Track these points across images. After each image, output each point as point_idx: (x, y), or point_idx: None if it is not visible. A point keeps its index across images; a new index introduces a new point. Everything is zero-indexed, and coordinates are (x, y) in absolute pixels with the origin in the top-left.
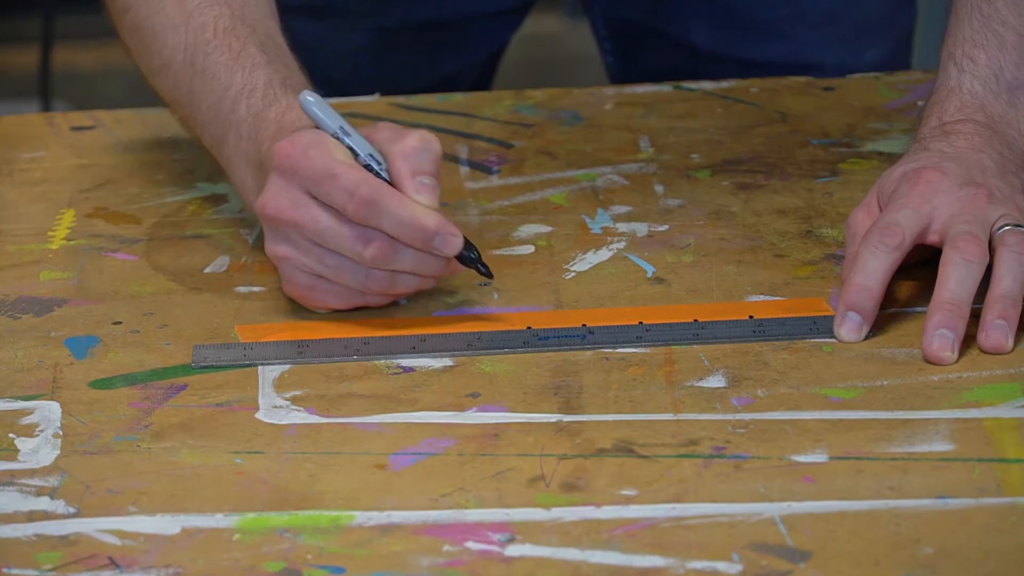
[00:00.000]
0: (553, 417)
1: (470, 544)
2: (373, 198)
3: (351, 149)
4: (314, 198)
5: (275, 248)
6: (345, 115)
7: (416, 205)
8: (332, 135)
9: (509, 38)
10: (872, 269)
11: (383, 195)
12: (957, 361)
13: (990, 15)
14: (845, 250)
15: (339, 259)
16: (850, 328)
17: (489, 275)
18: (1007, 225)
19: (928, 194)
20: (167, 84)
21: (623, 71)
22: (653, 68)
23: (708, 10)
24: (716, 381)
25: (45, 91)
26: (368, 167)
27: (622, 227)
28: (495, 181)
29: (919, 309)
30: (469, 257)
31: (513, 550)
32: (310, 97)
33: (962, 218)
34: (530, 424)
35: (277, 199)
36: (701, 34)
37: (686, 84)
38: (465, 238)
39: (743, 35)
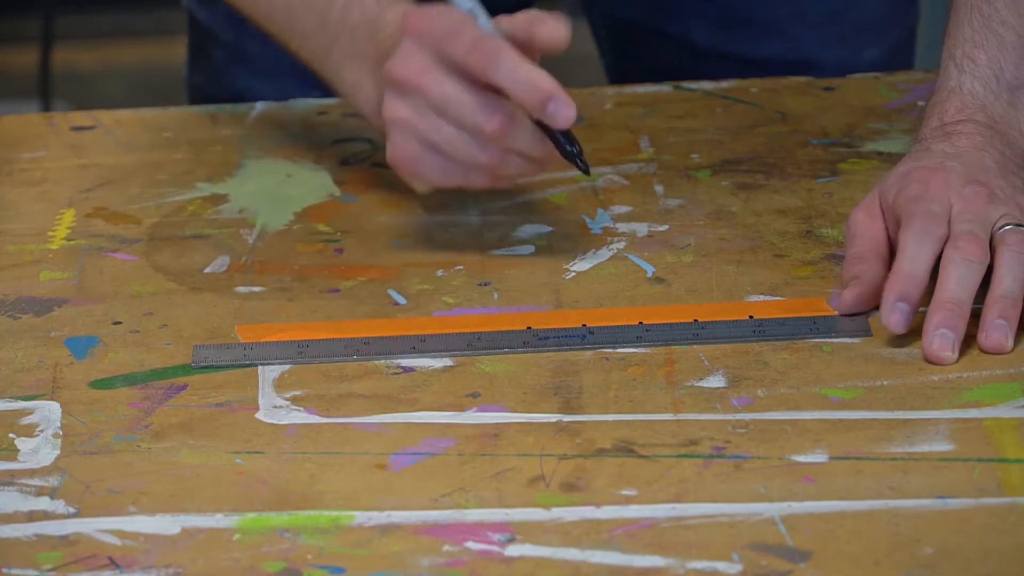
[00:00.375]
0: (553, 417)
1: (470, 544)
2: (495, 50)
3: (483, 19)
4: (442, 67)
5: (394, 109)
6: (344, 114)
7: (534, 66)
8: (469, 7)
9: None
10: (920, 259)
11: (505, 50)
12: (957, 361)
13: (990, 16)
14: (845, 250)
15: (455, 130)
16: (899, 319)
17: (586, 171)
18: (1008, 225)
19: (943, 190)
20: (263, 8)
21: (622, 70)
22: (652, 67)
23: (708, 8)
24: (716, 381)
25: (45, 91)
26: None
27: (622, 227)
28: None
29: (919, 309)
30: (571, 151)
31: (513, 550)
32: None
33: (963, 217)
34: (530, 424)
35: (406, 62)
36: (701, 32)
37: (686, 84)
38: (572, 133)
39: (743, 33)
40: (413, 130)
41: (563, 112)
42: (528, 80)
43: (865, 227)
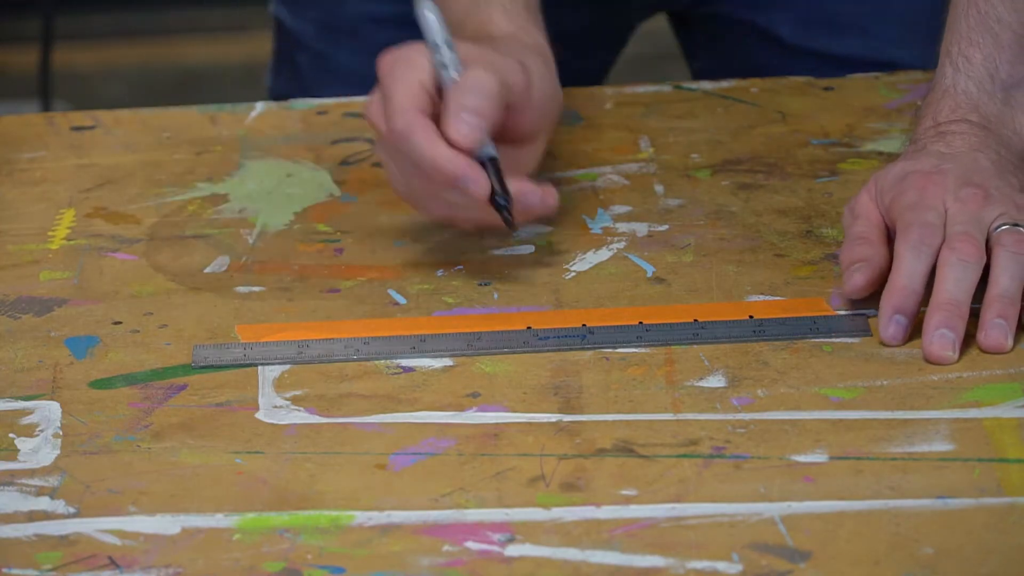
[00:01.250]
0: (553, 417)
1: (470, 544)
2: (404, 132)
3: (440, 68)
4: None
5: (376, 149)
6: (344, 114)
7: (442, 147)
8: (431, 48)
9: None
10: (916, 271)
11: (414, 131)
12: (957, 361)
13: (987, 12)
14: (846, 229)
15: (408, 177)
16: (896, 332)
17: (511, 226)
18: (1004, 224)
19: (938, 195)
20: None
21: (703, 63)
22: (735, 60)
23: (796, 2)
24: (716, 381)
25: (45, 91)
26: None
27: (622, 227)
28: None
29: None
30: (499, 204)
31: (513, 550)
32: (426, 10)
33: (958, 219)
34: (530, 424)
35: (371, 107)
36: (786, 26)
37: (686, 84)
38: (502, 184)
39: (826, 30)
40: (390, 171)
41: (472, 190)
42: (434, 164)
43: (869, 209)
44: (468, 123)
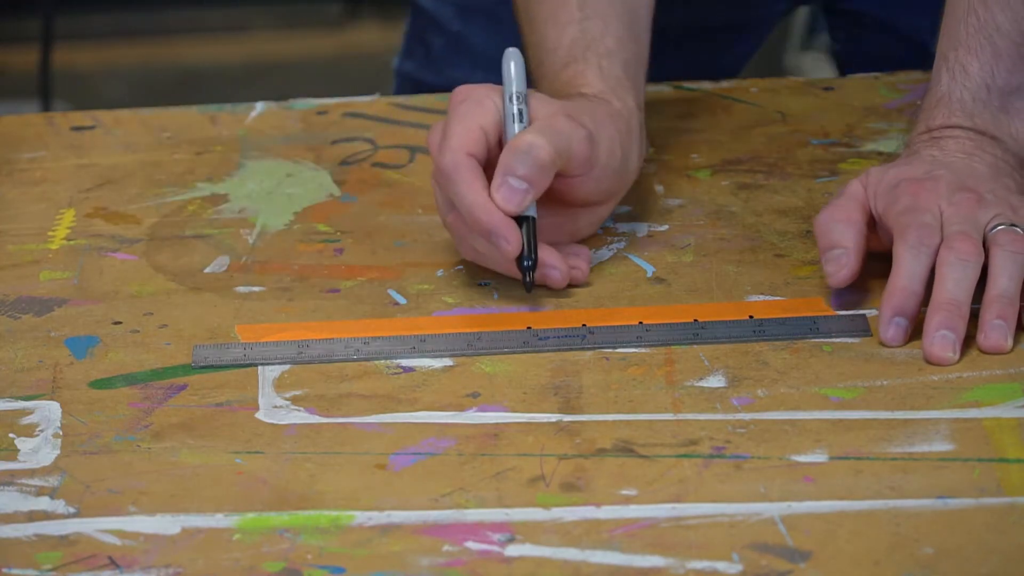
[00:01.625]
0: (553, 417)
1: (470, 544)
2: (449, 171)
3: (509, 118)
4: None
5: (432, 173)
6: (344, 114)
7: (483, 196)
8: (507, 97)
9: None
10: (915, 273)
11: (459, 172)
12: (958, 361)
13: (985, 20)
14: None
15: (446, 212)
16: (896, 333)
17: (528, 288)
18: (1000, 225)
19: (933, 199)
20: (518, 19)
21: (850, 58)
22: (878, 59)
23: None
24: (716, 381)
25: (45, 91)
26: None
27: (622, 227)
28: None
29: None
30: (522, 265)
31: (513, 550)
32: (511, 59)
33: (954, 219)
34: (530, 424)
35: (432, 133)
36: (924, 33)
37: (686, 84)
38: (532, 246)
39: None
40: (436, 195)
41: (502, 247)
42: (470, 211)
43: (855, 190)
44: (513, 189)
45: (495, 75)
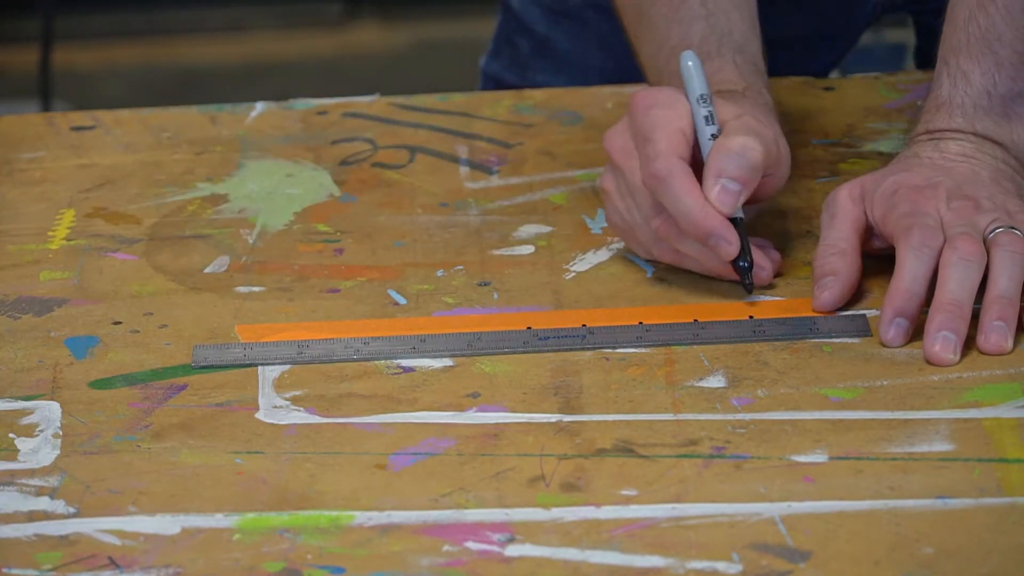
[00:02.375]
0: (553, 417)
1: (470, 544)
2: (664, 176)
3: (701, 120)
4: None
5: (604, 179)
6: (344, 114)
7: (701, 200)
8: (695, 99)
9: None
10: (919, 274)
11: (675, 177)
12: (958, 362)
13: (987, 28)
14: (821, 228)
15: (641, 218)
16: (897, 334)
17: (748, 290)
18: (999, 227)
19: (932, 204)
20: (626, 22)
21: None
22: None
23: None
24: (716, 381)
25: (45, 91)
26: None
27: None
28: (495, 181)
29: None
30: (740, 267)
31: (513, 550)
32: (689, 61)
33: (955, 223)
34: (530, 424)
35: (615, 138)
36: None
37: None
38: (747, 247)
39: None
40: (615, 204)
41: (723, 249)
42: (687, 213)
43: (845, 210)
44: (729, 190)
45: (578, 80)
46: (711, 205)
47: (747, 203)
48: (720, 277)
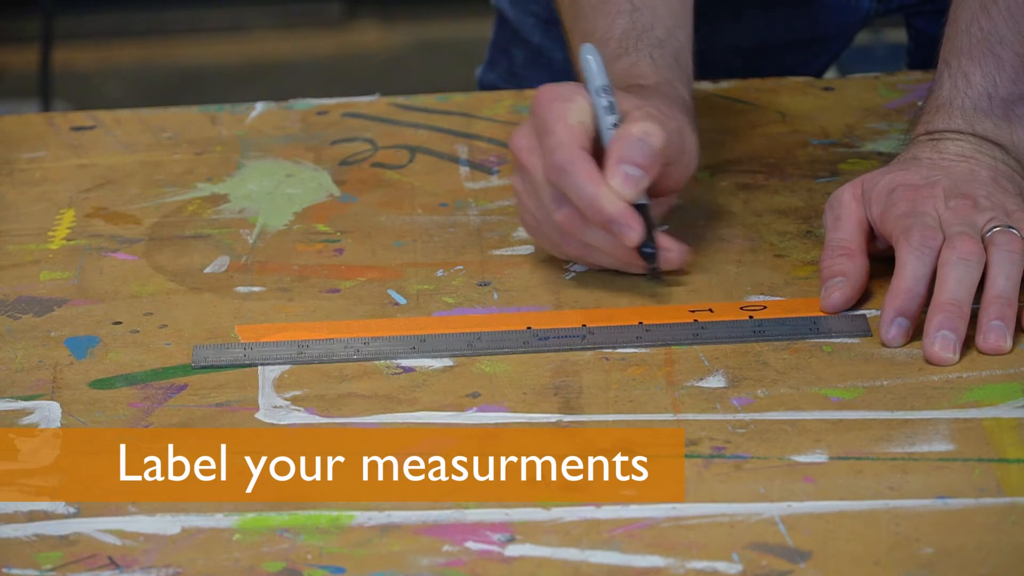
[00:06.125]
0: (553, 417)
1: (470, 544)
2: (564, 166)
3: (601, 111)
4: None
5: (513, 179)
6: (344, 114)
7: (604, 187)
8: (595, 90)
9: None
10: (919, 274)
11: (576, 165)
12: (958, 362)
13: (989, 31)
14: (825, 229)
15: (546, 214)
16: (897, 334)
17: (656, 276)
18: (996, 227)
19: (930, 204)
20: (561, 12)
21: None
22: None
23: None
24: (716, 381)
25: (45, 91)
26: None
27: None
28: (495, 181)
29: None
30: (645, 252)
31: (513, 550)
32: (589, 54)
33: (954, 222)
34: (530, 424)
35: (519, 138)
36: None
37: None
38: (651, 234)
39: None
40: (524, 204)
41: (625, 234)
42: (591, 202)
43: (850, 210)
44: (630, 176)
45: None
46: (613, 192)
47: (655, 195)
48: (628, 269)
